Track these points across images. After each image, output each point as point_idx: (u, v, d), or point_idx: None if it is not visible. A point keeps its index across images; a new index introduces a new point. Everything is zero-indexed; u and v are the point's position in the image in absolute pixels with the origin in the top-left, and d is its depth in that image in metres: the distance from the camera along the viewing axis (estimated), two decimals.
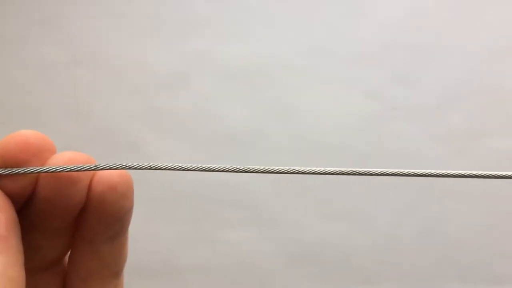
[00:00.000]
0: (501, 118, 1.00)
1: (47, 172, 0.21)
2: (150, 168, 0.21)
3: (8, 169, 0.22)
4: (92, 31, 1.04)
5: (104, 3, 1.04)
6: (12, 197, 0.22)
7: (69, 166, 0.21)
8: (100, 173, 0.22)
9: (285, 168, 0.21)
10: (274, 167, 0.21)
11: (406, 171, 0.21)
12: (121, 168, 0.21)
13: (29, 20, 1.04)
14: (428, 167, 0.93)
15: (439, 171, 0.21)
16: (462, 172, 0.22)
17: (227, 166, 0.21)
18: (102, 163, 0.21)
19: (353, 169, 0.22)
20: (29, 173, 0.21)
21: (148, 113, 1.03)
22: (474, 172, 0.21)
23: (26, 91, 1.04)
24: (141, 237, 1.03)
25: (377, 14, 1.02)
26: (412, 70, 1.01)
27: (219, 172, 0.21)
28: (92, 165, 0.21)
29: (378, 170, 0.22)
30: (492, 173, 0.21)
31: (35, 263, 0.25)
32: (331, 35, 1.03)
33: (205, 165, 0.21)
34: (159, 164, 0.21)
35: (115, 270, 0.26)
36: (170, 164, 0.21)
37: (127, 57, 1.03)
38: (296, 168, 0.21)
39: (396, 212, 1.02)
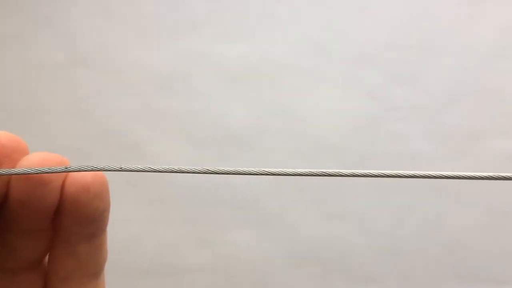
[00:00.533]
0: (501, 118, 1.00)
1: (17, 174, 0.21)
2: (121, 170, 0.21)
3: None
4: (92, 31, 1.04)
5: (104, 3, 1.04)
6: None
7: (40, 168, 0.21)
8: (73, 174, 0.23)
9: (256, 169, 0.21)
10: (245, 169, 0.21)
11: (375, 172, 0.22)
12: (92, 170, 0.21)
13: (29, 20, 1.04)
14: (428, 167, 0.93)
15: (406, 172, 0.21)
16: (431, 173, 0.22)
17: (198, 168, 0.21)
18: (74, 164, 0.22)
19: (323, 170, 0.22)
20: None
21: (148, 113, 1.03)
22: (455, 173, 0.21)
23: (26, 91, 1.04)
24: (141, 238, 1.04)
25: (377, 14, 1.02)
26: (412, 70, 1.01)
27: (193, 174, 0.21)
28: (62, 167, 0.21)
29: (349, 171, 0.22)
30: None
31: (13, 265, 0.25)
32: (331, 35, 1.03)
33: (176, 167, 0.21)
34: (130, 166, 0.21)
35: (94, 271, 0.26)
36: (141, 166, 0.21)
37: (127, 57, 1.04)
38: (267, 169, 0.21)
39: (396, 212, 1.02)
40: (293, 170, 0.22)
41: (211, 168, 0.21)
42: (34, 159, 0.22)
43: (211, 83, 1.03)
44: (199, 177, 1.00)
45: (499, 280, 1.01)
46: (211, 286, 1.05)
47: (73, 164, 0.21)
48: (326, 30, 1.03)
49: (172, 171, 0.21)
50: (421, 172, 0.22)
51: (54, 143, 1.02)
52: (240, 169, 0.22)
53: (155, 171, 0.21)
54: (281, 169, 0.22)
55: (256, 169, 0.22)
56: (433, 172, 0.22)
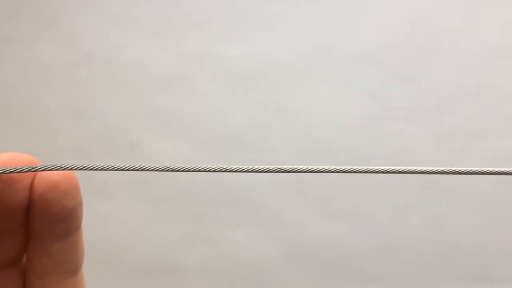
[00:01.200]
0: (501, 118, 1.00)
1: None
2: (84, 169, 0.21)
3: None
4: (92, 31, 1.05)
5: (104, 3, 1.05)
6: None
7: (6, 168, 0.21)
8: (41, 173, 0.23)
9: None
10: (203, 166, 0.21)
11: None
12: (57, 169, 0.22)
13: (29, 20, 1.05)
14: (428, 167, 0.93)
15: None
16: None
17: (159, 165, 0.21)
18: (44, 164, 0.22)
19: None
20: None
21: (148, 113, 1.03)
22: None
23: (26, 91, 1.05)
24: (142, 237, 1.04)
25: (378, 14, 1.02)
26: (412, 70, 1.01)
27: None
28: (29, 166, 0.22)
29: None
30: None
31: None
32: (331, 35, 1.03)
33: (138, 165, 0.21)
34: (94, 165, 0.21)
35: (70, 268, 0.26)
36: (102, 164, 0.21)
37: (127, 57, 1.04)
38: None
39: (396, 212, 1.02)
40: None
41: (174, 166, 0.21)
42: (4, 159, 0.22)
43: (211, 83, 1.03)
44: (199, 176, 1.00)
45: (499, 280, 1.01)
46: (211, 284, 1.05)
47: (72, 162, 0.21)
48: (326, 30, 1.03)
49: (134, 170, 0.21)
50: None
51: (54, 143, 1.03)
52: (199, 166, 0.22)
53: (117, 169, 0.21)
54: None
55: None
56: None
